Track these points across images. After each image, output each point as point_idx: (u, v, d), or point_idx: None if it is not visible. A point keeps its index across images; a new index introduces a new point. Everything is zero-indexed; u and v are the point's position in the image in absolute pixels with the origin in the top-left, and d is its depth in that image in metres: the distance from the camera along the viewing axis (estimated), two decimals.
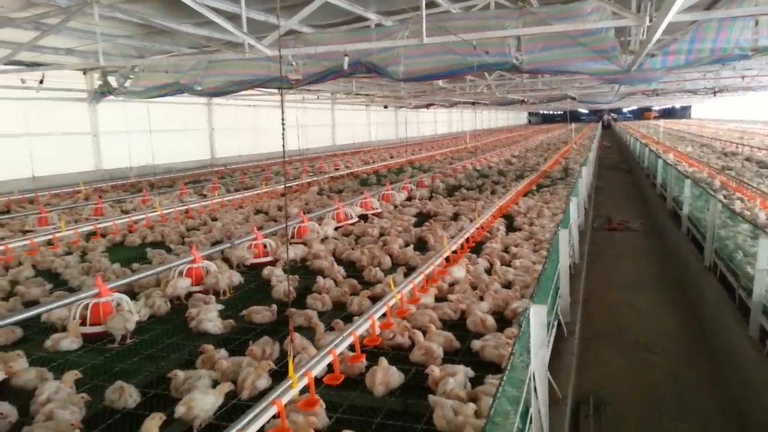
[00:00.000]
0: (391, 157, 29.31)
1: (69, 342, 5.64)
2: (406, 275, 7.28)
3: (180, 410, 4.06)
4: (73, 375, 4.60)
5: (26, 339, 5.94)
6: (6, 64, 13.52)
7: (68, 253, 9.60)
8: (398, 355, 5.20)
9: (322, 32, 14.18)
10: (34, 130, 19.00)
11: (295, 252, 9.07)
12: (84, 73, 20.31)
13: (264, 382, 4.57)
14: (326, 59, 14.52)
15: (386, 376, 4.60)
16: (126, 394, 4.40)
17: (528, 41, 10.34)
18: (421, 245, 9.43)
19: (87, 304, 6.04)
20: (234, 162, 27.04)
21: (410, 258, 8.48)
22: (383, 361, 4.72)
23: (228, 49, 13.29)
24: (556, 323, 5.57)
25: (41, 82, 16.68)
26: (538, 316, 3.64)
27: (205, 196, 16.12)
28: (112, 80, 20.13)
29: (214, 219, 12.50)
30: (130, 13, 12.61)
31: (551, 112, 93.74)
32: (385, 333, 5.50)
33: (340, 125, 39.50)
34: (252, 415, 3.71)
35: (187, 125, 25.69)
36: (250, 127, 30.11)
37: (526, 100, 32.55)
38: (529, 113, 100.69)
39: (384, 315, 5.74)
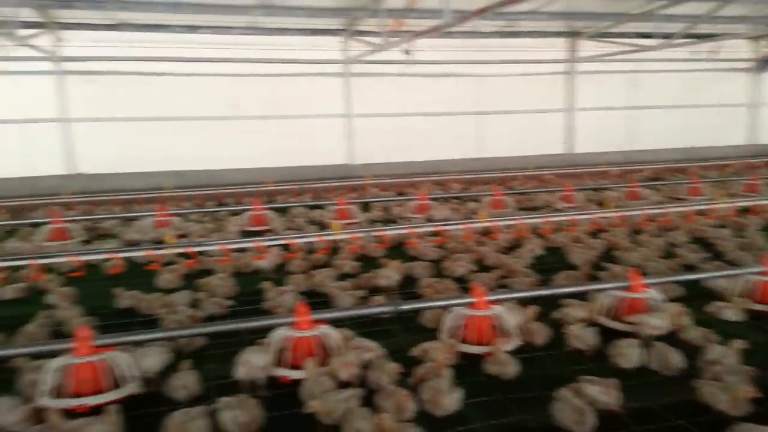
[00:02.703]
0: None
1: (731, 313, 5.72)
2: None
3: None
4: (740, 344, 4.65)
5: (686, 298, 6.32)
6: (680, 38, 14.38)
7: (721, 226, 9.64)
8: None
9: None
10: (689, 102, 19.56)
11: None
12: (752, 41, 19.36)
13: None
14: None
15: None
16: None
17: None
18: None
19: (751, 280, 5.95)
20: None
21: None
22: None
23: None
24: None
25: (712, 52, 16.87)
26: None
27: None
28: None
29: None
30: None
31: None
32: None
33: None
34: None
35: None
36: None
37: None
38: None
39: None
